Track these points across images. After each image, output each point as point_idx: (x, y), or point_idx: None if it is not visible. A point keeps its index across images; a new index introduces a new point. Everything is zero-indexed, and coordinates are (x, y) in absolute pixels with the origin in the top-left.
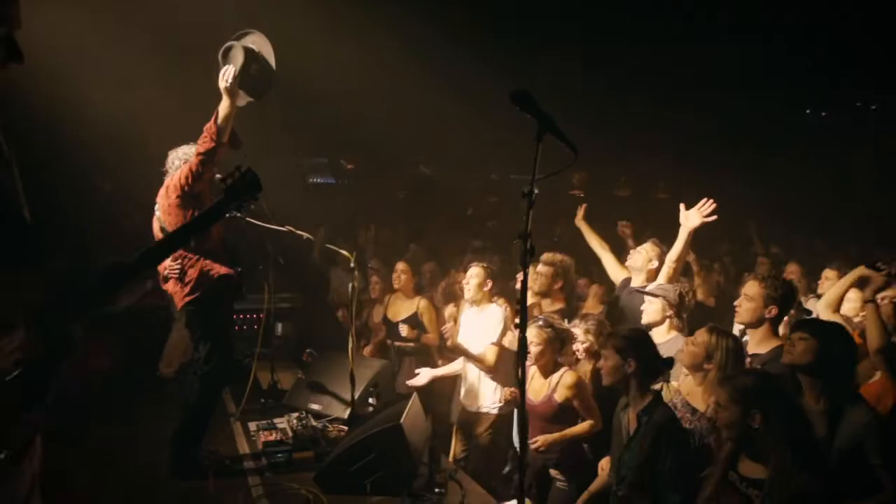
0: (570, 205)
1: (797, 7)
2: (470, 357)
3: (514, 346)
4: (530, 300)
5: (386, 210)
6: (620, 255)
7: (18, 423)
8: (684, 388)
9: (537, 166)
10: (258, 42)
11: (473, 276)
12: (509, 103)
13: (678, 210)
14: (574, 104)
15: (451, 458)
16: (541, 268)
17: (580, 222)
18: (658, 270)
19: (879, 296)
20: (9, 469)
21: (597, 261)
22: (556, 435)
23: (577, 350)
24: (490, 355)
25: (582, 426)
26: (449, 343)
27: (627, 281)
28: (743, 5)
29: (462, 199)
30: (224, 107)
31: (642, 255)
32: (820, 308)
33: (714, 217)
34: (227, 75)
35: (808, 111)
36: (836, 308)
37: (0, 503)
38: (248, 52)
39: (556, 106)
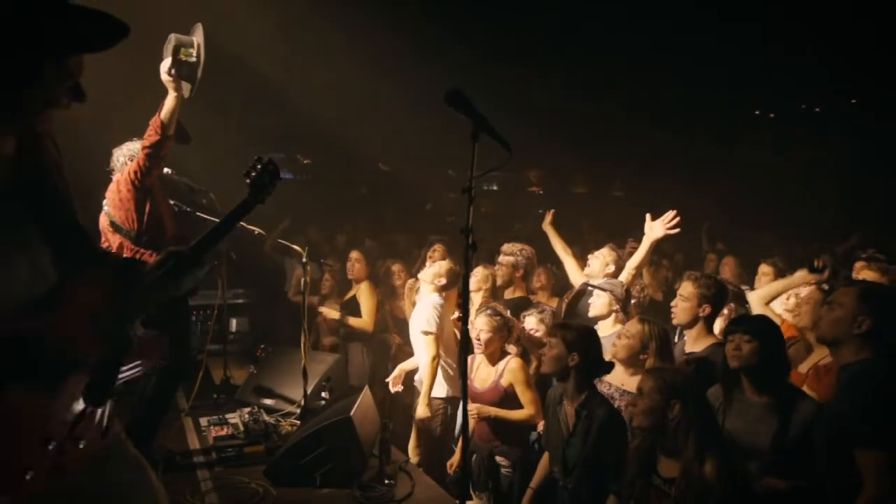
0: (529, 201)
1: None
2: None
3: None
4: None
5: (346, 206)
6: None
7: None
8: (617, 381)
9: (475, 163)
10: (195, 31)
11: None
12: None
13: (634, 207)
14: (533, 103)
15: (409, 449)
16: (502, 258)
17: (547, 227)
18: (614, 275)
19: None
20: None
21: (554, 259)
22: (493, 409)
23: (533, 330)
24: (428, 347)
25: (520, 412)
26: (392, 389)
27: (585, 286)
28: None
29: (421, 194)
30: (168, 99)
31: (599, 260)
32: (753, 302)
33: (677, 230)
34: (164, 67)
35: (757, 112)
36: (768, 302)
37: None
38: (177, 41)
39: (512, 105)
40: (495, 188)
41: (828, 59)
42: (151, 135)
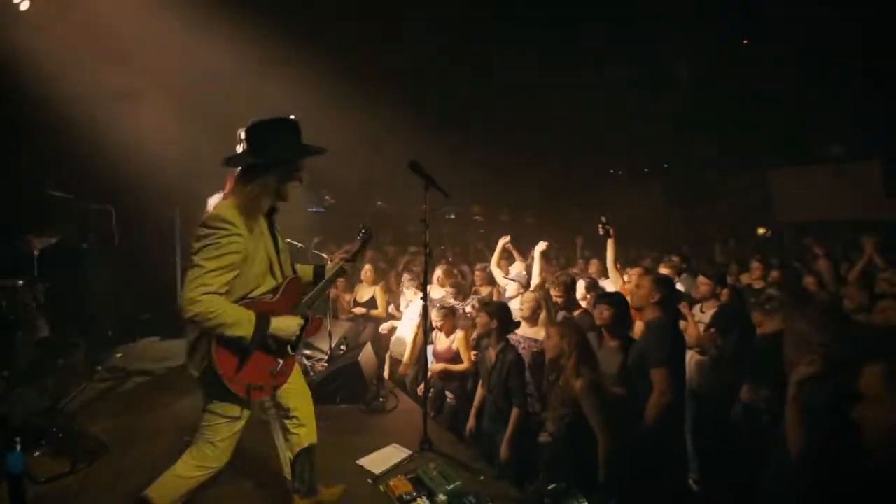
0: (474, 224)
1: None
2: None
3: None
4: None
5: (355, 229)
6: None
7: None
8: (522, 332)
9: (427, 205)
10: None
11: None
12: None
13: (520, 227)
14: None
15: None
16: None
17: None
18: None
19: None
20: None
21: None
22: (442, 365)
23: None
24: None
25: (461, 366)
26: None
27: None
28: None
29: (404, 221)
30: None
31: (516, 271)
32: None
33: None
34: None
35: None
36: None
37: None
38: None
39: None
40: (453, 217)
41: None
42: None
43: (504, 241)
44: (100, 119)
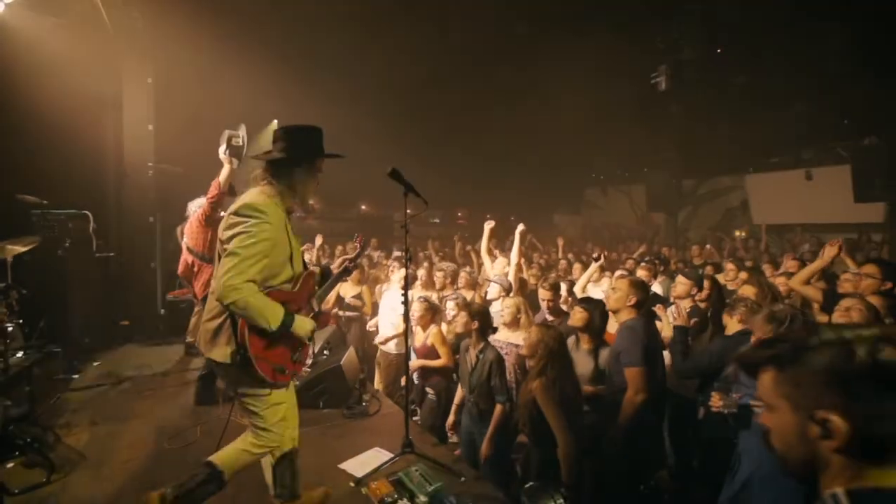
0: (458, 227)
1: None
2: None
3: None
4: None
5: (342, 232)
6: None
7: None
8: (503, 337)
9: (407, 211)
10: (239, 129)
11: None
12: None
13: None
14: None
15: (375, 385)
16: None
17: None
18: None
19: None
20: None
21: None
22: (421, 361)
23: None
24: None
25: (438, 361)
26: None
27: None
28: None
29: (389, 224)
30: (224, 169)
31: (499, 268)
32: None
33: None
34: (221, 151)
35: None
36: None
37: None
38: (229, 135)
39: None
40: (437, 221)
41: None
42: (214, 191)
43: (489, 225)
44: (76, 124)
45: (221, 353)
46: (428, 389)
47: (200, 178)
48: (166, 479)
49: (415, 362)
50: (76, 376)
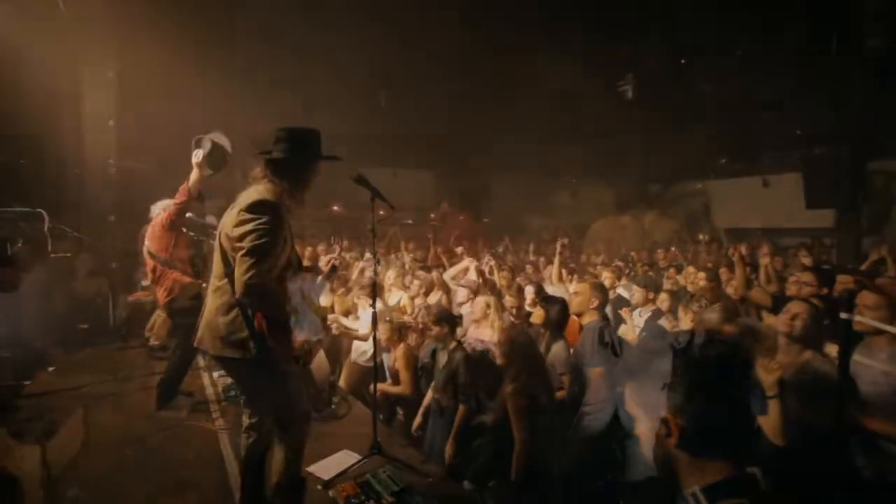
0: (431, 228)
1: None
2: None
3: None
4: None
5: (315, 231)
6: None
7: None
8: (472, 334)
9: (374, 215)
10: (219, 136)
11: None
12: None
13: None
14: None
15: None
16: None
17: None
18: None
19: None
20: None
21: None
22: (384, 386)
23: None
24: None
25: (396, 388)
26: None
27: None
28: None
29: (361, 224)
30: (194, 175)
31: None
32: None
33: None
34: (197, 156)
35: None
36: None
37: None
38: (213, 143)
39: None
40: (411, 222)
41: None
42: (182, 196)
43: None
44: (29, 117)
45: (237, 349)
46: (398, 408)
47: (167, 176)
48: (127, 487)
49: (380, 387)
50: (27, 383)
